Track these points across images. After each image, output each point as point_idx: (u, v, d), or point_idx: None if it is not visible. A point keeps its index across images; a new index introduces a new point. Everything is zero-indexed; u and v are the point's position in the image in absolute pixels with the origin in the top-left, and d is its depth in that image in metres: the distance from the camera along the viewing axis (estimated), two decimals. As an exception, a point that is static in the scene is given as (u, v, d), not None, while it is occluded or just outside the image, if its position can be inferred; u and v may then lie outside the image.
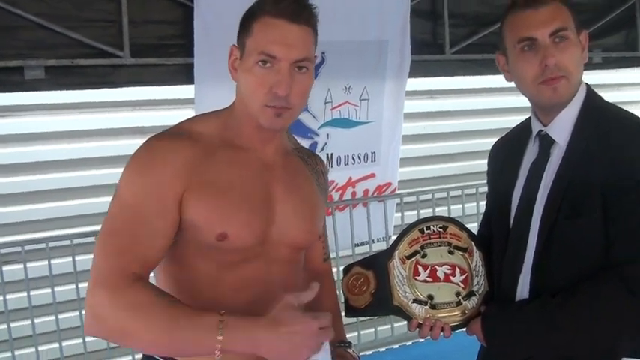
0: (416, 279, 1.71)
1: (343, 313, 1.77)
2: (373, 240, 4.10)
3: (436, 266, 1.72)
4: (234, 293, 1.47)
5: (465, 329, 1.72)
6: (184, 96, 3.42)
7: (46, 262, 3.43)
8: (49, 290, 3.46)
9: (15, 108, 3.87)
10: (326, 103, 3.74)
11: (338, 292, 1.81)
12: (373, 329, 4.35)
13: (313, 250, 1.72)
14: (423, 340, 4.30)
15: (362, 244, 4.11)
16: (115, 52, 2.89)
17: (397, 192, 4.14)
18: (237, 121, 1.52)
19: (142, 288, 1.34)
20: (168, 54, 3.04)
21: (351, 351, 1.63)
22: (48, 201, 4.04)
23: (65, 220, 3.99)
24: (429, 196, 4.40)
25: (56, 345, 3.53)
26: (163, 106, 4.07)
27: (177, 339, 1.29)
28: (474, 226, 1.94)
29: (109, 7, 2.89)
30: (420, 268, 1.72)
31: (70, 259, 3.43)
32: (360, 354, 1.65)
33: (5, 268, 3.38)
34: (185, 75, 3.07)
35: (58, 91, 3.16)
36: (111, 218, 1.41)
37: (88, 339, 3.51)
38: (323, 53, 3.57)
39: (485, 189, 1.98)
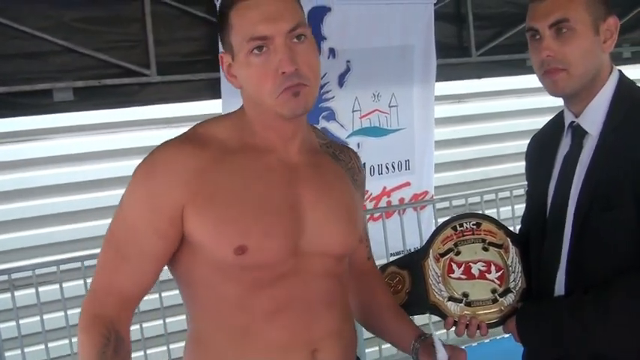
0: (450, 277, 1.68)
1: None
2: (409, 249, 4.05)
3: (470, 263, 1.69)
4: (268, 318, 1.32)
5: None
6: (212, 111, 3.44)
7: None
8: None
9: (44, 131, 3.93)
10: (354, 111, 3.73)
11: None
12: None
13: (355, 254, 1.55)
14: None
15: (397, 253, 4.06)
16: (142, 71, 2.93)
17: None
18: (251, 124, 1.38)
19: (93, 336, 1.27)
20: (194, 70, 3.08)
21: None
22: (85, 220, 4.08)
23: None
24: (463, 201, 4.35)
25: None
26: (191, 122, 4.04)
27: None
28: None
29: (133, 28, 2.94)
30: (454, 266, 1.69)
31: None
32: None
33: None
34: (211, 90, 3.10)
35: (87, 112, 3.22)
36: (109, 231, 1.35)
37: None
38: (348, 62, 3.58)
39: (520, 192, 1.94)
